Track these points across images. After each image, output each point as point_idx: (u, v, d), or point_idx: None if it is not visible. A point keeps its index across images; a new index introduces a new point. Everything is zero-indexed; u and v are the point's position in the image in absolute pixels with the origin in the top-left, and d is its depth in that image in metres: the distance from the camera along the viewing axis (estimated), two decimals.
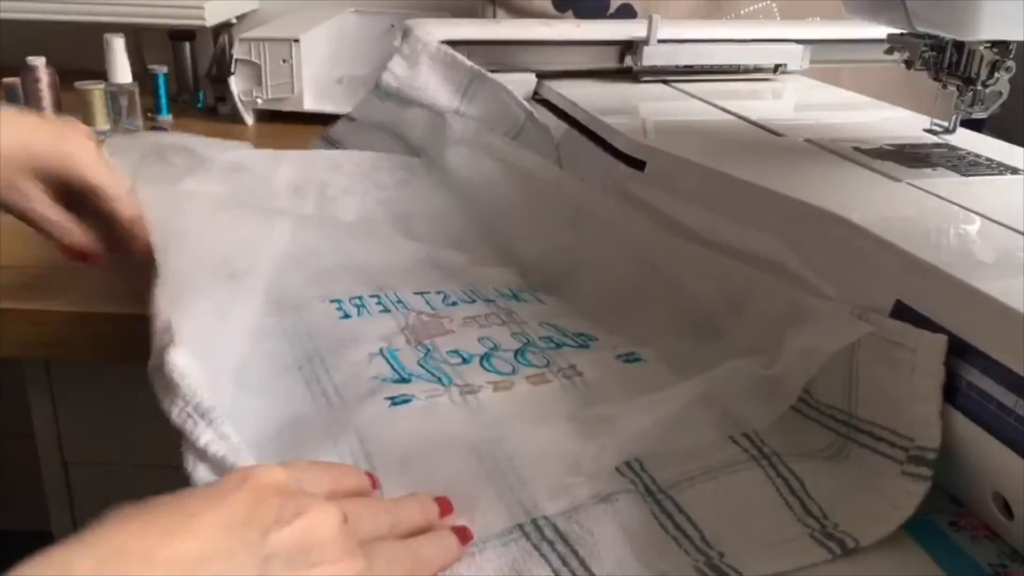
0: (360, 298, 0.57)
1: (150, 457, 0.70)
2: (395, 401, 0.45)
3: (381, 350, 0.50)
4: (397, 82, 0.83)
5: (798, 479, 0.42)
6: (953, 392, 0.41)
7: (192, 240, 0.57)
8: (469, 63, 0.83)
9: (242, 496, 0.32)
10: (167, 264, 0.52)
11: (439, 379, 0.47)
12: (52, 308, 0.60)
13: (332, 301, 0.56)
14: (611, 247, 0.61)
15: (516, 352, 0.51)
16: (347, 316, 0.54)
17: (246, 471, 0.33)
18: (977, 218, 0.51)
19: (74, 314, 0.60)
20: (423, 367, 0.49)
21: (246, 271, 0.56)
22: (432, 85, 0.83)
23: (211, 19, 1.14)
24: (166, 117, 1.08)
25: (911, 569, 0.38)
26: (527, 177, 0.71)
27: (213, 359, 0.45)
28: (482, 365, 0.49)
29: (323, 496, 0.35)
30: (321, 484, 0.36)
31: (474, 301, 0.58)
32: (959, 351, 0.41)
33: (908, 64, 0.64)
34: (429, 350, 0.51)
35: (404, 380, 0.47)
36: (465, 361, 0.50)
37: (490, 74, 0.83)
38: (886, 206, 0.53)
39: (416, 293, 0.58)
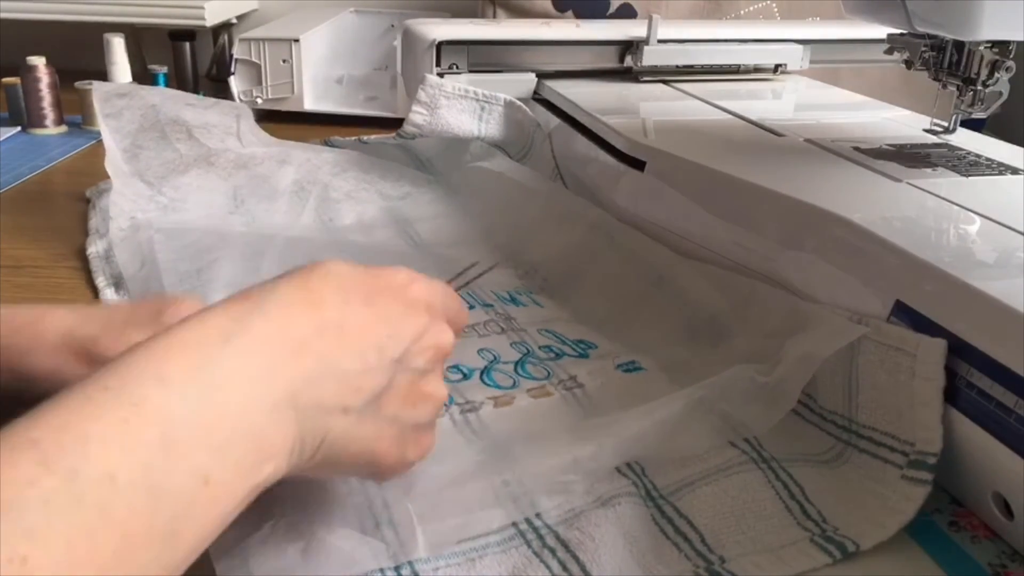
0: None
1: None
2: None
3: None
4: (419, 130, 0.83)
5: (797, 483, 0.42)
6: (953, 393, 0.41)
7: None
8: (481, 91, 0.84)
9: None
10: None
11: None
12: None
13: None
14: (617, 256, 0.61)
15: (516, 364, 0.51)
16: None
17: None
18: (977, 218, 0.51)
19: None
20: None
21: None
22: (453, 123, 0.83)
23: (211, 19, 1.14)
24: None
25: (911, 569, 0.38)
26: (532, 191, 0.72)
27: None
28: (483, 380, 0.50)
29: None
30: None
31: (472, 307, 0.58)
32: (959, 351, 0.41)
33: (908, 64, 0.64)
34: None
35: None
36: (466, 377, 0.50)
37: (500, 94, 0.83)
38: (886, 206, 0.53)
39: None
